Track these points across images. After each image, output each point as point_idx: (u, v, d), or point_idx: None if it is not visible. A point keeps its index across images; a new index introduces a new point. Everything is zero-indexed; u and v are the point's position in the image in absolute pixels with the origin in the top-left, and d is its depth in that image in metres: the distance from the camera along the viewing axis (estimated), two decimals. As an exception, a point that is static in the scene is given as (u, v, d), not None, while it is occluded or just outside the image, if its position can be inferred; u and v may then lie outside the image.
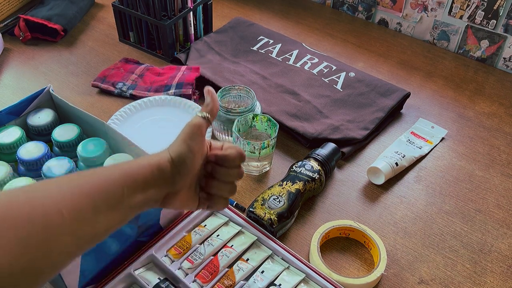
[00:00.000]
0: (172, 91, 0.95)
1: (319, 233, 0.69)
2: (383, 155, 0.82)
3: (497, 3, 1.01)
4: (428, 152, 0.86)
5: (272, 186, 0.74)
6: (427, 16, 1.13)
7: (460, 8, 1.07)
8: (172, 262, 0.66)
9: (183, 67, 1.00)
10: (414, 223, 0.75)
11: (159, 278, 0.63)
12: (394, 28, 1.20)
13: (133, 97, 0.97)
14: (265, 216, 0.69)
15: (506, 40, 1.05)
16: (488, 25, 1.05)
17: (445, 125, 0.92)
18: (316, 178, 0.75)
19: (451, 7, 1.08)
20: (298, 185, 0.73)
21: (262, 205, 0.71)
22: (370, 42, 1.15)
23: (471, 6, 1.05)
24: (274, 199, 0.71)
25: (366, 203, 0.78)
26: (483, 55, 1.09)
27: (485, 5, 1.03)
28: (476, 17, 1.06)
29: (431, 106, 0.97)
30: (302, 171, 0.75)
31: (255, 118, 0.81)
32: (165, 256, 0.67)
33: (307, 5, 1.29)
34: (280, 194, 0.72)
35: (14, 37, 1.13)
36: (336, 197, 0.78)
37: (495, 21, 1.04)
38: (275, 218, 0.69)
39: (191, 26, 1.08)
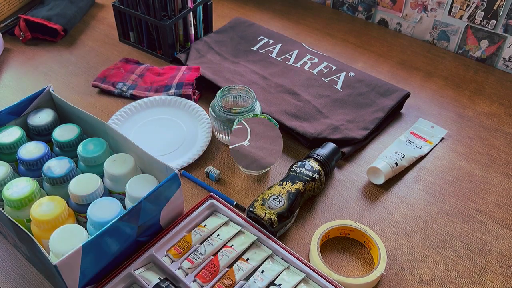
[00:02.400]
0: (172, 91, 0.95)
1: (319, 233, 0.69)
2: (383, 155, 0.82)
3: (497, 3, 1.01)
4: (428, 152, 0.86)
5: (272, 186, 0.74)
6: (427, 16, 1.13)
7: (460, 8, 1.07)
8: (172, 262, 0.66)
9: (183, 67, 1.00)
10: (414, 223, 0.75)
11: (159, 278, 0.63)
12: (394, 28, 1.20)
13: (133, 97, 0.97)
14: (265, 216, 0.69)
15: (505, 40, 1.05)
16: (487, 25, 1.05)
17: (445, 125, 0.92)
18: (316, 178, 0.75)
19: (451, 7, 1.08)
20: (298, 185, 0.73)
21: (262, 205, 0.71)
22: (370, 42, 1.15)
23: (471, 6, 1.05)
24: (274, 199, 0.71)
25: (366, 203, 0.78)
26: (483, 55, 1.09)
27: (485, 5, 1.03)
28: (476, 17, 1.06)
29: (431, 106, 0.97)
30: (302, 171, 0.75)
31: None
32: (165, 256, 0.67)
33: (307, 5, 1.29)
34: (280, 194, 0.72)
35: (14, 37, 1.13)
36: (336, 197, 0.79)
37: (494, 21, 1.04)
38: (275, 218, 0.69)
39: (191, 26, 1.08)
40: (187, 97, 0.95)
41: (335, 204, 0.77)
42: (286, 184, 0.74)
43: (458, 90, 1.01)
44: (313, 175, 0.75)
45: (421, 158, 0.85)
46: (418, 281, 0.67)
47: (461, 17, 1.08)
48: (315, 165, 0.76)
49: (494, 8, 1.02)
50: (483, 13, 1.04)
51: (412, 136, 0.88)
